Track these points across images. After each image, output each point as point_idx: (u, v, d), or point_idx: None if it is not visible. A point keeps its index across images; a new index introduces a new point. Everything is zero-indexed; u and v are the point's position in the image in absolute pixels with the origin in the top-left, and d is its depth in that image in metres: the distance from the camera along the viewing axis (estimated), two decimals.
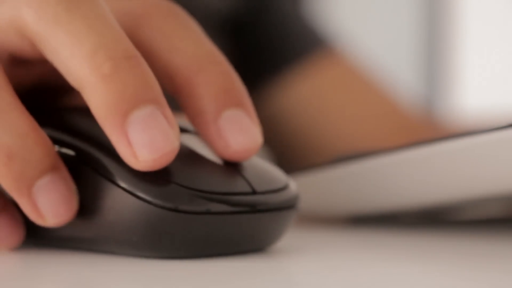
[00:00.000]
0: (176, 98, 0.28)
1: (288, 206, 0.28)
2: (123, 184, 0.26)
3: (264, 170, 0.28)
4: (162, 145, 0.25)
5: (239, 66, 0.29)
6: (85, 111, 0.27)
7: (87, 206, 0.27)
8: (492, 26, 1.94)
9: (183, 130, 0.27)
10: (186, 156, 0.27)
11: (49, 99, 0.31)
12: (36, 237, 0.29)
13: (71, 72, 0.26)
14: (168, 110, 0.26)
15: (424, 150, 0.32)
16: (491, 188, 0.32)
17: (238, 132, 0.27)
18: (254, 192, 0.27)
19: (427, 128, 0.66)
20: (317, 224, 0.37)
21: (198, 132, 0.28)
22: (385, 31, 1.89)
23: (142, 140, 0.25)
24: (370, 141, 0.61)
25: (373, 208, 0.36)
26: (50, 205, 0.26)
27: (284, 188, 0.28)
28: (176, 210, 0.26)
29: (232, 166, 0.28)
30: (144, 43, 0.28)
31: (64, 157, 0.27)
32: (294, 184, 0.29)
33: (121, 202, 0.26)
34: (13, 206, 0.28)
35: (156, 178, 0.26)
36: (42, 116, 0.28)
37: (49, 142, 0.27)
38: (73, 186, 0.27)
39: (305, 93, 0.63)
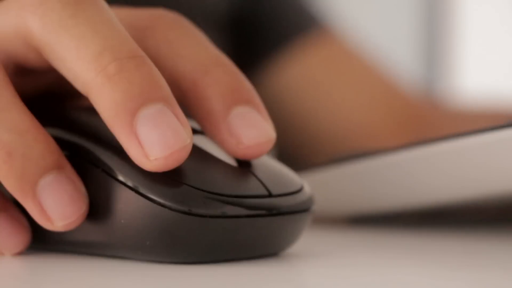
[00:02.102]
0: (184, 104, 0.28)
1: (304, 209, 0.27)
2: (134, 186, 0.26)
3: (278, 172, 0.28)
4: (173, 141, 0.25)
5: (234, 49, 0.29)
6: (92, 110, 0.26)
7: (97, 209, 0.26)
8: (493, 8, 1.93)
9: (194, 131, 0.27)
10: (199, 157, 0.26)
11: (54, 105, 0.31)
12: (43, 241, 0.28)
13: (77, 76, 0.26)
14: (178, 109, 0.25)
15: (424, 150, 0.32)
16: (491, 188, 0.32)
17: (249, 128, 0.27)
18: (270, 195, 0.26)
19: (425, 110, 0.65)
20: (319, 224, 0.37)
21: (208, 134, 0.28)
22: (383, 11, 1.88)
23: (152, 137, 0.25)
24: (365, 124, 0.61)
25: (373, 208, 0.36)
26: (57, 205, 0.26)
27: (299, 190, 0.27)
28: (189, 213, 0.25)
29: (246, 168, 0.27)
30: (149, 53, 0.27)
31: (72, 158, 0.27)
32: (308, 186, 0.28)
33: (132, 204, 0.26)
34: (15, 207, 0.28)
35: (168, 180, 0.25)
36: (46, 116, 0.28)
37: (51, 139, 0.26)
38: (81, 187, 0.26)
39: (298, 74, 0.62)
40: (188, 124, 0.25)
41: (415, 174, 0.33)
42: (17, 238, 0.28)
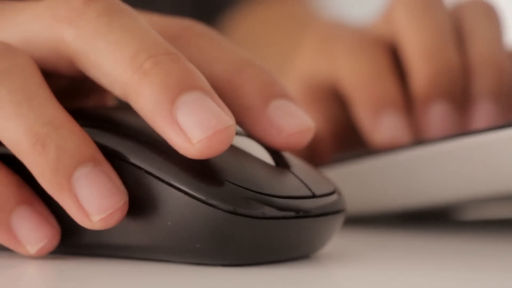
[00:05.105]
0: None
1: (342, 209, 0.27)
2: (180, 186, 0.25)
3: (313, 172, 0.28)
4: (214, 121, 0.25)
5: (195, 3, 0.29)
6: (129, 109, 0.26)
7: (139, 212, 0.26)
8: None
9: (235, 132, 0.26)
10: (243, 158, 0.26)
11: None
12: (80, 245, 0.27)
13: (115, 80, 0.26)
14: (216, 97, 0.25)
15: (424, 150, 0.32)
16: (491, 188, 0.32)
17: (288, 117, 0.27)
18: (314, 196, 0.26)
19: None
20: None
21: (249, 128, 0.28)
22: None
23: (193, 120, 0.24)
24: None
25: (373, 208, 0.36)
26: (93, 197, 0.25)
27: (335, 190, 0.28)
28: (235, 213, 0.25)
29: (287, 169, 0.27)
30: None
31: (111, 160, 0.26)
32: (338, 186, 0.28)
33: (180, 205, 0.25)
34: (42, 203, 0.27)
35: (214, 179, 0.25)
36: (81, 116, 0.27)
37: (86, 134, 0.26)
38: (119, 182, 0.26)
39: (249, 28, 0.63)
40: (228, 110, 0.25)
41: (415, 174, 0.33)
42: (40, 231, 0.27)
